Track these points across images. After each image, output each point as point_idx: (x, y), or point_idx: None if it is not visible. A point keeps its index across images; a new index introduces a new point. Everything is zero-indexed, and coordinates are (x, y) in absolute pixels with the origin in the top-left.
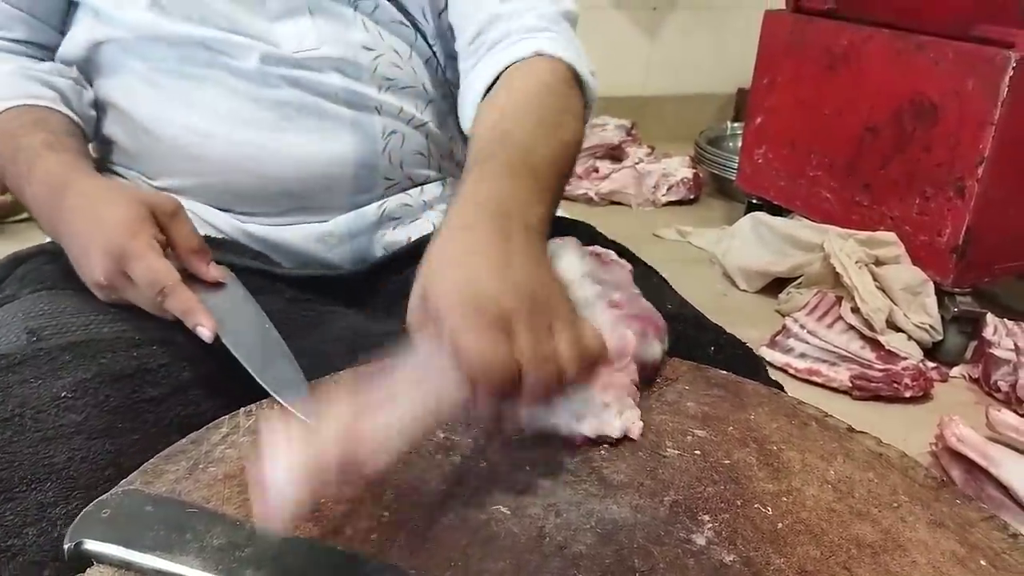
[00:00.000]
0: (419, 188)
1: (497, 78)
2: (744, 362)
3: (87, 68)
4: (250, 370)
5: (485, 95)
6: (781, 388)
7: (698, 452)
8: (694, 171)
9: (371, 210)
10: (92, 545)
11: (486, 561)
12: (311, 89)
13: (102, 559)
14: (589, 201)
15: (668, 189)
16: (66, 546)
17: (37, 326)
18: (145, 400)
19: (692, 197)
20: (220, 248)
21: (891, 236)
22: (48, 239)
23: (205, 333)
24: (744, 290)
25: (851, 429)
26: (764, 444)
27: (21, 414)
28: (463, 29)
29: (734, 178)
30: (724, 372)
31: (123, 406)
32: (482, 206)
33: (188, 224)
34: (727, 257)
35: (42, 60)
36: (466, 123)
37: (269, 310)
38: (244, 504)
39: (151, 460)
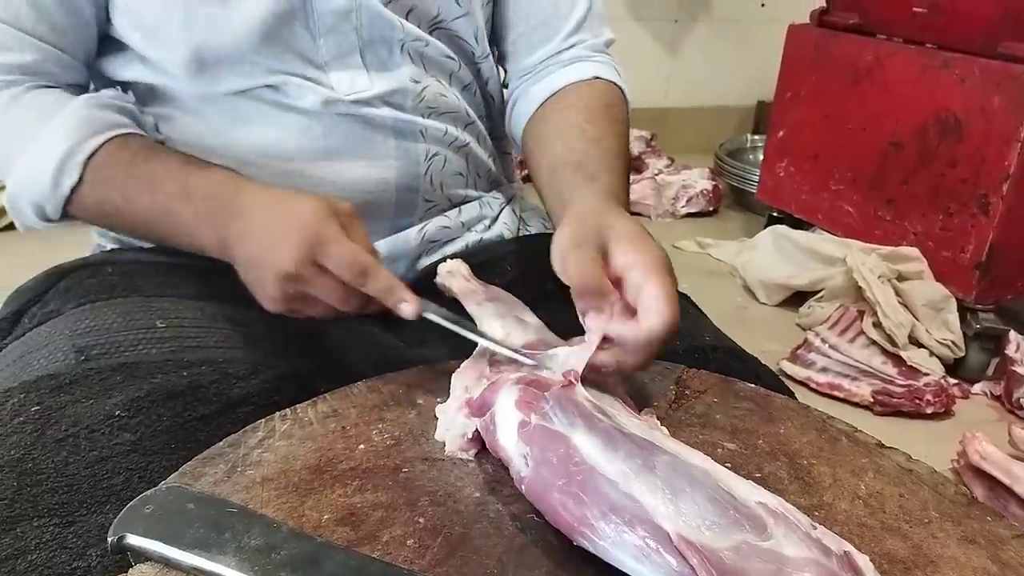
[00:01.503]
0: (457, 209)
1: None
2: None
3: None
4: (464, 333)
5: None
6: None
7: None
8: (714, 183)
9: (412, 234)
10: (134, 540)
11: (521, 570)
12: (361, 122)
13: (143, 553)
14: None
15: (688, 201)
16: (110, 539)
17: (85, 344)
18: (196, 418)
19: (712, 209)
20: None
21: (914, 251)
22: (94, 250)
23: (409, 309)
24: (764, 303)
25: (881, 445)
26: (795, 458)
27: (76, 434)
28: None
29: (754, 190)
30: (752, 385)
31: (175, 425)
32: (614, 197)
33: (362, 228)
34: (747, 270)
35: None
36: (521, 119)
37: (304, 328)
38: (281, 507)
39: (189, 463)
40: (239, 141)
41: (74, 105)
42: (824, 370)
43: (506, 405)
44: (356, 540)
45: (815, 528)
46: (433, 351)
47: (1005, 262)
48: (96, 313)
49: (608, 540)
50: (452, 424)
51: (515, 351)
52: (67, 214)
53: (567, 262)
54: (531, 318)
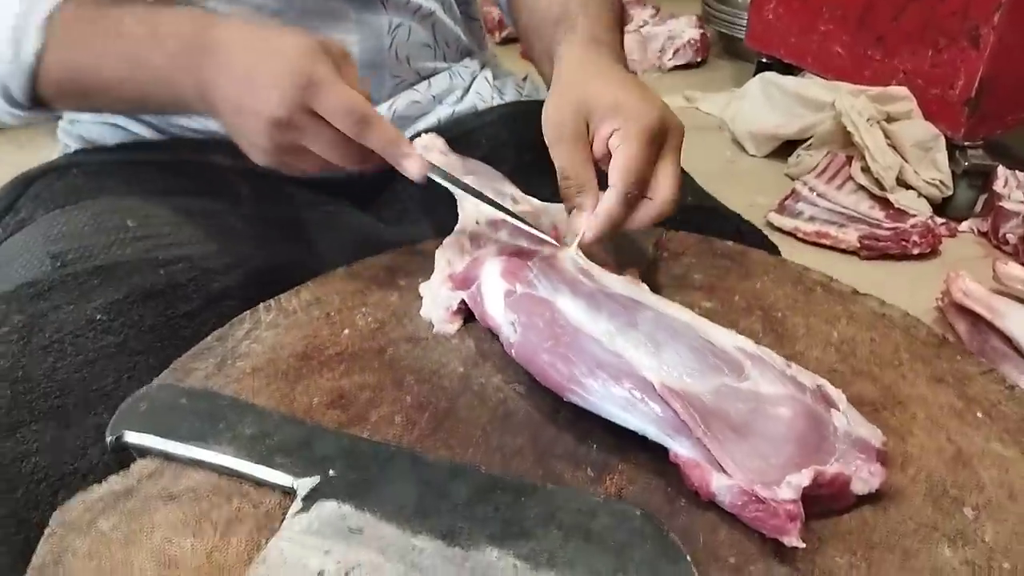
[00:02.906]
0: (426, 82)
1: None
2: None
3: None
4: (468, 196)
5: None
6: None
7: None
8: (701, 31)
9: (381, 111)
10: (132, 437)
11: (505, 437)
12: None
13: (142, 450)
14: None
15: (674, 53)
16: (108, 439)
17: (59, 251)
18: (179, 316)
19: (699, 60)
20: (228, 150)
21: (903, 91)
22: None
23: (414, 167)
24: (753, 155)
25: (855, 292)
26: (769, 311)
27: (60, 340)
28: None
29: (743, 36)
30: (731, 243)
31: (159, 324)
32: (597, 43)
33: (354, 67)
34: (736, 122)
35: None
36: None
37: (280, 216)
38: (272, 395)
39: (179, 360)
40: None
41: None
42: (811, 219)
43: (492, 276)
44: (346, 421)
45: (790, 367)
46: (413, 228)
47: (995, 96)
48: (67, 217)
49: (596, 395)
50: (437, 298)
51: (516, 216)
52: (37, 99)
53: (553, 154)
54: (511, 189)
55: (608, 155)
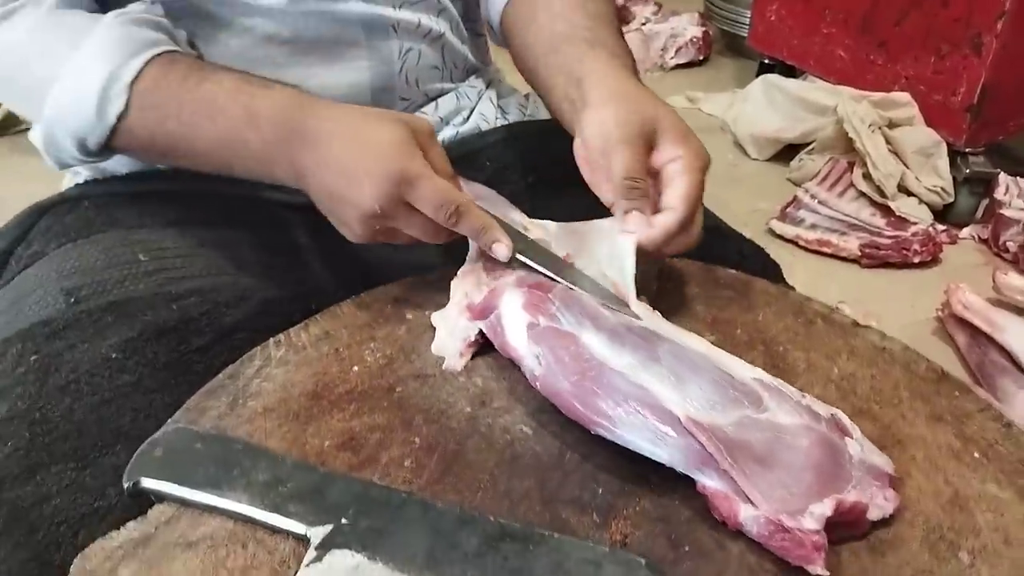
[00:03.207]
0: (434, 103)
1: None
2: (764, 270)
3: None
4: (554, 276)
5: None
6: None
7: None
8: (704, 29)
9: None
10: (149, 483)
11: (512, 481)
12: (328, 20)
13: (159, 496)
14: None
15: (677, 51)
16: (125, 484)
17: (72, 286)
18: (192, 351)
19: (702, 58)
20: (238, 182)
21: (905, 97)
22: (71, 180)
23: (503, 250)
24: (755, 159)
25: (856, 324)
26: (771, 345)
27: (76, 380)
28: None
29: (746, 34)
30: (734, 272)
31: (172, 360)
32: (628, 66)
33: (440, 146)
34: (738, 124)
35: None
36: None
37: (288, 243)
38: (284, 437)
39: (192, 398)
40: (202, 51)
41: (106, 22)
42: (813, 227)
43: (513, 308)
44: (357, 464)
45: (804, 397)
46: (418, 256)
47: (997, 103)
48: (79, 252)
49: (624, 428)
50: (454, 329)
51: (604, 293)
52: (109, 146)
53: (614, 156)
54: (519, 216)
55: (657, 174)
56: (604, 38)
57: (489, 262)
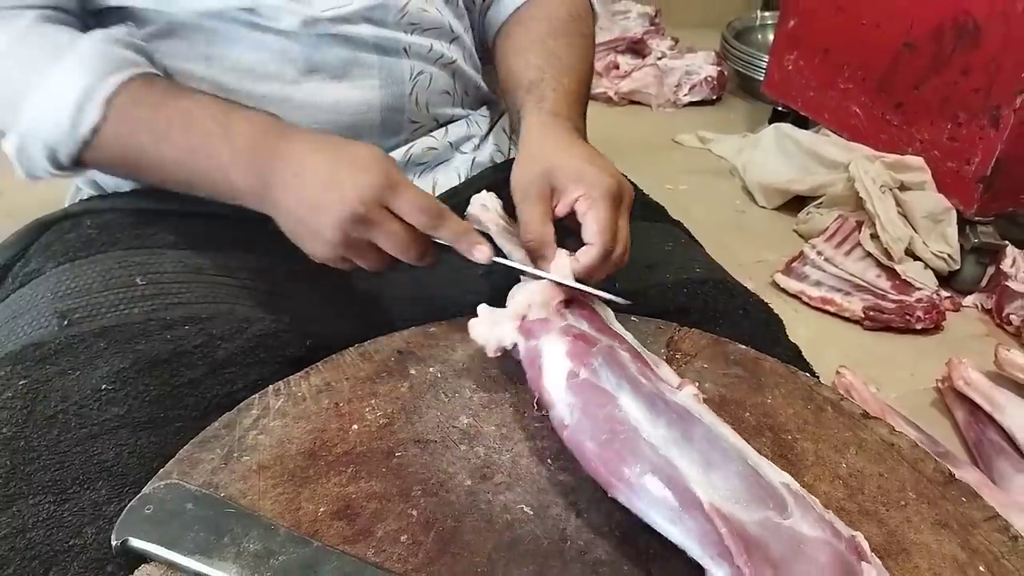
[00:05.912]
0: (443, 128)
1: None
2: (767, 326)
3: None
4: (540, 274)
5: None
6: (799, 353)
7: None
8: (719, 69)
9: (397, 156)
10: (137, 543)
11: (510, 567)
12: (341, 41)
13: (147, 556)
14: (608, 101)
15: (690, 89)
16: (114, 543)
17: (66, 308)
18: (183, 384)
19: (715, 97)
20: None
21: (919, 161)
22: (73, 195)
23: (484, 253)
24: (763, 207)
25: (865, 415)
26: (779, 433)
27: (65, 410)
28: None
29: (760, 77)
30: (744, 347)
31: (163, 394)
32: (562, 119)
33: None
34: (748, 170)
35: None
36: (491, 28)
37: (289, 268)
38: (278, 499)
39: (186, 448)
40: (217, 65)
41: (90, 40)
42: (818, 284)
43: (556, 352)
44: (352, 535)
45: (827, 512)
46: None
47: (1010, 176)
48: (76, 272)
49: (644, 499)
50: (502, 329)
51: (594, 293)
52: (80, 162)
53: (520, 216)
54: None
55: (573, 215)
56: (553, 92)
57: (557, 292)
